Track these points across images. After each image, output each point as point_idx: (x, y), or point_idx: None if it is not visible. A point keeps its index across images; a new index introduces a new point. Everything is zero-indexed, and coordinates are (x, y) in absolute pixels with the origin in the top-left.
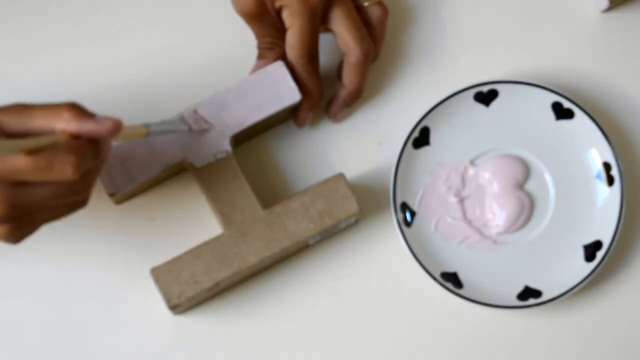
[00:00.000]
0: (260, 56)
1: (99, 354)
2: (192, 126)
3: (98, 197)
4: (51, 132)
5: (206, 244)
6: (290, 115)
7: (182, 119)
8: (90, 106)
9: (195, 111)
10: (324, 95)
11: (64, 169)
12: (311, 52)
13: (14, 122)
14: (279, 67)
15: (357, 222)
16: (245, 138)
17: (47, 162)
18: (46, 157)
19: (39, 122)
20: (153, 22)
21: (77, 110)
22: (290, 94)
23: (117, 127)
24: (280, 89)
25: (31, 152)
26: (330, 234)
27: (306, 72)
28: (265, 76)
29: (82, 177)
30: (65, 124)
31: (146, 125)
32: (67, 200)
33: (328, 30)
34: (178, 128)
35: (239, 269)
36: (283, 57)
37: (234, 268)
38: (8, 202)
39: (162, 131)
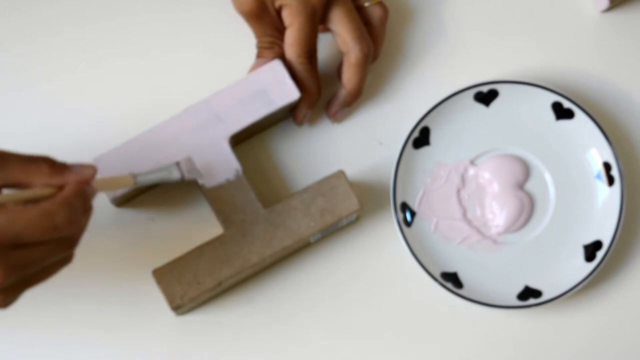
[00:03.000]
0: (259, 55)
1: (102, 355)
2: (185, 175)
3: (98, 199)
4: (28, 186)
5: (207, 244)
6: (289, 114)
7: (177, 165)
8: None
9: (190, 159)
10: (324, 94)
11: (64, 225)
12: (310, 51)
13: None
14: (278, 66)
15: (357, 218)
16: (245, 137)
17: (49, 219)
18: (47, 214)
19: (17, 175)
20: (152, 21)
21: (53, 162)
22: (289, 93)
23: (94, 172)
24: (279, 88)
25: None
26: (332, 231)
27: (305, 70)
28: (264, 75)
29: (71, 235)
30: (48, 178)
31: (134, 176)
32: (58, 257)
33: (328, 30)
34: (169, 177)
35: (241, 268)
36: (282, 56)
37: (236, 267)
38: (10, 267)
39: (150, 181)
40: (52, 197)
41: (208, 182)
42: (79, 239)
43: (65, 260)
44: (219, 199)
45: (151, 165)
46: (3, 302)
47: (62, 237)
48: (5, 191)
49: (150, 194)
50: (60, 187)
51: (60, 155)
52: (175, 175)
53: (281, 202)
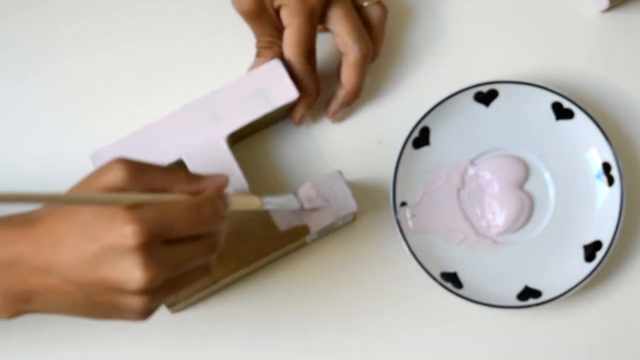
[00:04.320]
0: (258, 54)
1: (97, 353)
2: (305, 205)
3: None
4: (167, 192)
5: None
6: (288, 114)
7: (295, 195)
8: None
9: (313, 187)
10: (323, 94)
11: (211, 218)
12: (309, 51)
13: (133, 182)
14: (277, 65)
15: (354, 219)
16: (243, 136)
17: (197, 211)
18: (195, 206)
19: (157, 182)
20: (152, 19)
21: (189, 172)
22: (288, 92)
23: (227, 179)
24: (277, 87)
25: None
26: (328, 231)
27: (304, 70)
28: (263, 74)
29: (213, 235)
30: (187, 185)
31: (261, 198)
32: (202, 261)
33: (327, 30)
34: (290, 205)
35: (236, 267)
36: (281, 55)
37: (231, 267)
38: (160, 265)
39: (274, 205)
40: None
41: None
42: (220, 244)
43: (206, 269)
44: None
45: (148, 161)
46: (147, 308)
47: (207, 233)
48: None
49: None
50: (197, 194)
51: (59, 150)
52: (294, 204)
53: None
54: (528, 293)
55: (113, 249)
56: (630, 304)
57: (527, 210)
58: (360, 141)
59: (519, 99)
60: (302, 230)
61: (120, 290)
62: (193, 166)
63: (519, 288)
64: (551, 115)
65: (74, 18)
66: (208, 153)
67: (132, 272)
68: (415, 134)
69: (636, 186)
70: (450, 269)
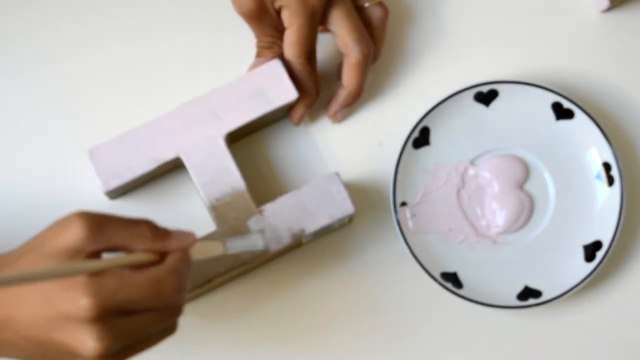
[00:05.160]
0: (258, 54)
1: None
2: (271, 245)
3: (92, 191)
4: (129, 250)
5: (199, 240)
6: (287, 114)
7: (261, 234)
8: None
9: (275, 229)
10: (323, 95)
11: (172, 292)
12: (309, 52)
13: (92, 241)
14: (277, 65)
15: (350, 221)
16: (242, 135)
17: (157, 286)
18: (155, 281)
19: (119, 239)
20: (152, 18)
21: (154, 227)
22: (287, 92)
23: (194, 240)
24: (277, 87)
25: (140, 276)
26: (324, 233)
27: (304, 71)
28: (263, 74)
29: (175, 305)
30: (150, 243)
31: (223, 243)
32: (162, 326)
33: (328, 30)
34: (255, 245)
35: (231, 266)
36: (281, 56)
37: (226, 265)
38: (111, 338)
39: (238, 248)
40: (156, 263)
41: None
42: (181, 310)
43: (169, 329)
44: (214, 196)
45: (146, 158)
46: None
47: (168, 305)
48: (105, 255)
49: (143, 188)
50: (161, 253)
51: (56, 146)
52: (259, 244)
53: (273, 202)
54: (528, 293)
55: (68, 317)
56: (630, 304)
57: (527, 210)
58: (360, 141)
59: (519, 99)
60: (298, 232)
61: (74, 355)
62: (191, 164)
63: (519, 288)
64: (551, 115)
65: (74, 17)
66: (206, 151)
67: (86, 342)
68: (415, 134)
69: (636, 186)
70: (450, 269)
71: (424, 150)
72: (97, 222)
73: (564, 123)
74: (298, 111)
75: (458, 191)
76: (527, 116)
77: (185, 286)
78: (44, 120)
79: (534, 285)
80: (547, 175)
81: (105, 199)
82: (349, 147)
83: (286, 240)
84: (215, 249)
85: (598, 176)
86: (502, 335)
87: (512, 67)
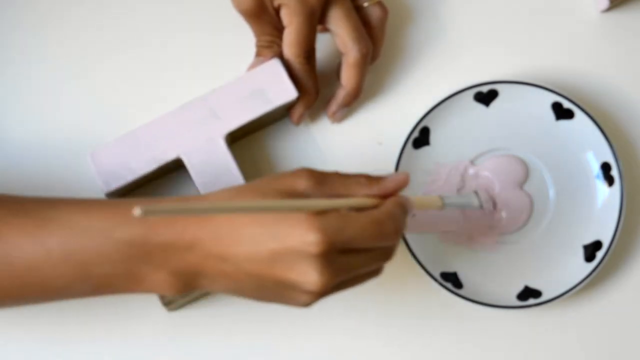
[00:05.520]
0: (258, 53)
1: (93, 351)
2: (484, 204)
3: (92, 192)
4: (350, 197)
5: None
6: (287, 113)
7: (476, 194)
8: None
9: (487, 191)
10: (323, 94)
11: (391, 234)
12: (308, 51)
13: (316, 190)
14: (276, 65)
15: None
16: (241, 135)
17: (379, 227)
18: (377, 222)
19: (339, 188)
20: (151, 17)
21: (368, 175)
22: (287, 92)
23: (407, 178)
24: (276, 87)
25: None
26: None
27: (303, 70)
28: (262, 73)
29: (390, 246)
30: (368, 189)
31: (442, 198)
32: (376, 266)
33: (327, 30)
34: (470, 203)
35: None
36: (281, 55)
37: None
38: (332, 273)
39: (455, 204)
40: (376, 207)
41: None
42: (395, 252)
43: (376, 271)
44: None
45: (147, 159)
46: (314, 302)
47: (384, 246)
48: None
49: (144, 189)
50: (379, 197)
51: (57, 148)
52: (475, 202)
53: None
54: (528, 293)
55: (293, 252)
56: (630, 304)
57: (527, 210)
58: (360, 141)
59: (519, 99)
60: None
61: (293, 288)
62: (191, 165)
63: (519, 288)
64: (551, 115)
65: (74, 18)
66: (206, 152)
67: (309, 275)
68: (415, 134)
69: (636, 186)
70: (450, 269)
71: (424, 150)
72: (320, 174)
73: (563, 123)
74: (298, 111)
75: (458, 191)
76: (527, 116)
77: (402, 229)
78: (44, 121)
79: (534, 285)
80: (547, 175)
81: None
82: (349, 147)
83: None
84: (433, 203)
85: (598, 176)
86: (502, 335)
87: (512, 67)
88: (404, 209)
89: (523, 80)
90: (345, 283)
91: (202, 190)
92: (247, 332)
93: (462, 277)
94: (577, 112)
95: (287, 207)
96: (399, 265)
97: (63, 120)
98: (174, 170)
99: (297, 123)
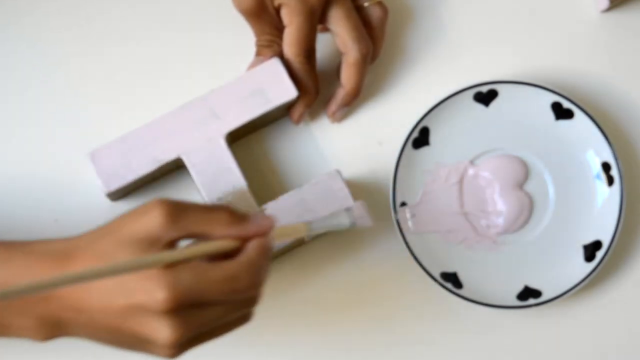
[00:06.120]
0: (258, 53)
1: (93, 350)
2: (356, 221)
3: (93, 193)
4: (207, 238)
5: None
6: (287, 113)
7: (348, 211)
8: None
9: (362, 204)
10: (323, 94)
11: (247, 289)
12: (309, 51)
13: (170, 229)
14: (276, 64)
15: None
16: (242, 135)
17: (233, 283)
18: (231, 278)
19: (197, 226)
20: (151, 17)
21: (231, 212)
22: (287, 91)
23: (272, 224)
24: (276, 86)
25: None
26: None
27: (303, 70)
28: (262, 73)
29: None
30: (227, 230)
31: (307, 223)
32: (237, 315)
33: (327, 30)
34: (340, 223)
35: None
36: (281, 54)
37: None
38: (184, 328)
39: (322, 227)
40: (236, 250)
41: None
42: (259, 299)
43: (244, 318)
44: (215, 196)
45: (147, 159)
46: (177, 354)
47: (241, 299)
48: (183, 242)
49: (144, 189)
50: (240, 239)
51: (57, 148)
52: (345, 221)
53: (275, 200)
54: (528, 293)
55: (142, 308)
56: (630, 304)
57: (527, 210)
58: (360, 141)
59: (519, 99)
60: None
61: (148, 342)
62: (192, 165)
63: (519, 288)
64: (551, 115)
65: (75, 18)
66: (207, 151)
67: (160, 332)
68: (415, 134)
69: (636, 186)
70: (450, 269)
71: (423, 150)
72: (175, 210)
73: (563, 123)
74: (298, 110)
75: (458, 191)
76: (527, 116)
77: (262, 280)
78: (44, 122)
79: (534, 285)
80: (546, 175)
81: (107, 201)
82: (349, 147)
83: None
84: (297, 231)
85: (598, 176)
86: (502, 335)
87: (511, 67)
88: (266, 255)
89: (523, 80)
90: (207, 334)
91: (203, 190)
92: (246, 330)
93: (462, 277)
94: (577, 112)
95: (137, 266)
96: (399, 265)
97: (63, 121)
98: (175, 170)
99: (297, 122)
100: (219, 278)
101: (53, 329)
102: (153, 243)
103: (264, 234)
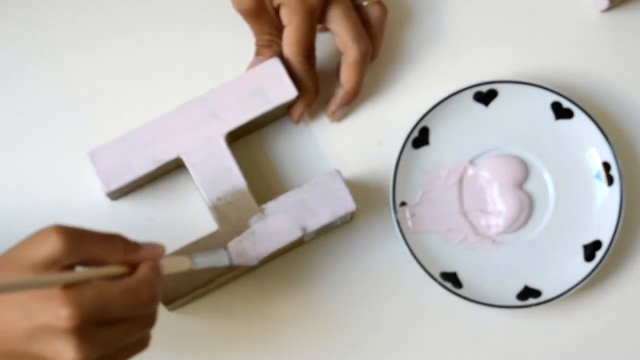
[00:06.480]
0: (257, 53)
1: None
2: (234, 260)
3: (94, 194)
4: (103, 263)
5: (202, 240)
6: (287, 113)
7: (225, 251)
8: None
9: (240, 243)
10: (323, 94)
11: (148, 301)
12: (308, 50)
13: (69, 254)
14: (276, 64)
15: (352, 219)
16: (242, 134)
17: (134, 295)
18: (132, 290)
19: (94, 253)
20: (151, 17)
21: (126, 240)
22: (287, 91)
23: (163, 250)
24: (276, 86)
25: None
26: (326, 231)
27: (303, 70)
28: (262, 73)
29: (149, 314)
30: (122, 256)
31: (191, 259)
32: (137, 337)
33: (327, 30)
34: (221, 260)
35: (235, 265)
36: (281, 54)
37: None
38: (89, 348)
39: (206, 264)
40: (127, 276)
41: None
42: (155, 321)
43: (143, 343)
44: (215, 196)
45: (147, 159)
46: None
47: (143, 315)
48: (79, 269)
49: (144, 189)
50: (132, 266)
51: (57, 148)
52: (225, 261)
53: (275, 200)
54: (528, 293)
55: (47, 329)
56: (630, 304)
57: (527, 210)
58: (360, 141)
59: (519, 99)
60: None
61: None
62: (192, 164)
63: (518, 288)
64: (551, 115)
65: (74, 18)
66: (207, 151)
67: (65, 352)
68: (415, 134)
69: (636, 186)
70: (450, 269)
71: (423, 150)
72: (74, 236)
73: (563, 123)
74: (298, 110)
75: (458, 191)
76: (527, 116)
77: (158, 295)
78: (44, 122)
79: (533, 285)
80: (546, 175)
81: (107, 200)
82: (349, 147)
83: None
84: (183, 264)
85: (598, 176)
86: (502, 335)
87: (511, 67)
88: (158, 273)
89: (523, 80)
90: (111, 357)
91: (203, 190)
92: (246, 332)
93: (462, 277)
94: (577, 112)
95: (36, 284)
96: (399, 265)
97: (63, 120)
98: (175, 170)
99: (297, 122)
100: (120, 291)
101: None
102: (51, 267)
103: (155, 259)
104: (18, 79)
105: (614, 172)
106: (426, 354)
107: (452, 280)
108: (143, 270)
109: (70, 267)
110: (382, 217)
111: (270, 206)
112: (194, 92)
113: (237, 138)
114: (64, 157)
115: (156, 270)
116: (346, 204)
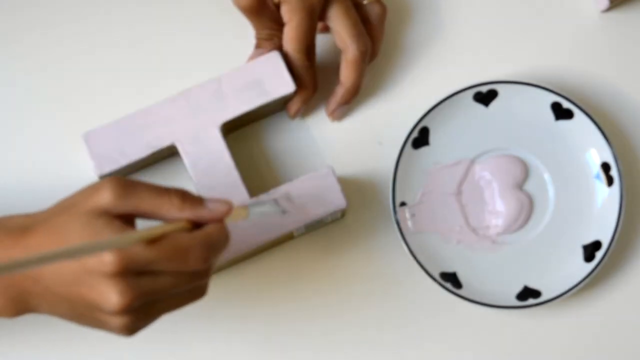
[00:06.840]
0: (257, 45)
1: (92, 351)
2: (287, 209)
3: (87, 178)
4: (159, 217)
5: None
6: (284, 107)
7: (276, 202)
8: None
9: (288, 194)
10: (323, 92)
11: (197, 263)
12: (308, 47)
13: (119, 204)
14: (275, 57)
15: (343, 216)
16: (237, 126)
17: (182, 256)
18: (182, 251)
19: (146, 206)
20: (151, 9)
21: (186, 196)
22: (285, 85)
23: (229, 210)
24: (275, 79)
25: (155, 240)
26: (316, 227)
27: (302, 66)
28: (261, 65)
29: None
30: (178, 212)
31: (246, 208)
32: (189, 287)
33: (327, 30)
34: (273, 210)
35: (221, 257)
36: (281, 48)
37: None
38: (132, 293)
39: (258, 214)
40: (189, 231)
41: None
42: (210, 273)
43: (197, 292)
44: (207, 185)
45: (141, 144)
46: (129, 327)
47: (191, 271)
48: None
49: (137, 174)
50: (195, 223)
51: (52, 131)
52: (276, 209)
53: (267, 193)
54: (528, 293)
55: (92, 272)
56: (630, 304)
57: (526, 211)
58: (359, 141)
59: (518, 99)
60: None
61: (98, 309)
62: (185, 152)
63: (518, 288)
64: (550, 115)
65: (73, 9)
66: (201, 140)
67: (107, 295)
68: (415, 134)
69: (636, 186)
70: (449, 269)
71: (423, 150)
72: (126, 186)
73: (563, 123)
74: (295, 105)
75: (457, 191)
76: (527, 116)
77: (213, 256)
78: (40, 105)
79: (533, 285)
80: (546, 175)
81: None
82: (348, 147)
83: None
84: (239, 214)
85: (597, 176)
86: (502, 335)
87: (511, 67)
88: (221, 237)
89: (522, 80)
90: (158, 306)
91: (195, 178)
92: (247, 331)
93: (462, 277)
94: (577, 112)
95: (90, 249)
96: (398, 265)
97: (58, 104)
98: (168, 157)
99: (294, 117)
100: (168, 246)
101: (19, 302)
102: (103, 214)
103: (218, 220)
104: (13, 61)
105: (614, 172)
106: (425, 354)
107: (451, 280)
108: (204, 230)
109: (125, 217)
110: (382, 217)
111: (262, 198)
112: (191, 80)
113: (233, 129)
114: (58, 139)
115: (218, 233)
116: (337, 200)
